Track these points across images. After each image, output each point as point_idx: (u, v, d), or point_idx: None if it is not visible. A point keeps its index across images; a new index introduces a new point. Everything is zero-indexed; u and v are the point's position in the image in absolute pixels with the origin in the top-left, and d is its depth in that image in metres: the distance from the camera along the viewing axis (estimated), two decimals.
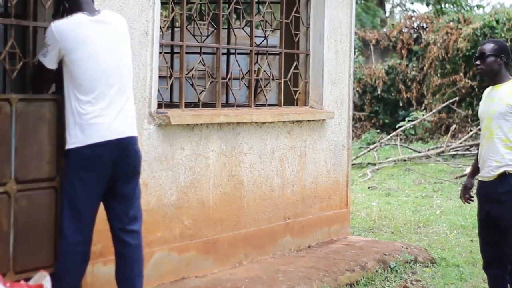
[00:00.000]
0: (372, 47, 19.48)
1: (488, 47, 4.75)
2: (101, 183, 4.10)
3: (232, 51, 6.82)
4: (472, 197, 5.02)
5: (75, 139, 4.05)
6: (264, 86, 6.40)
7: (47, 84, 4.34)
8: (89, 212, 4.09)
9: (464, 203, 5.07)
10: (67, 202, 4.08)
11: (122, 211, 4.20)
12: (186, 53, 5.56)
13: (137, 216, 4.26)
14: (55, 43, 4.03)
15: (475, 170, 4.93)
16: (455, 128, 16.37)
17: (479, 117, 4.89)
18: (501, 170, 4.67)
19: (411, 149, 14.87)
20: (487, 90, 4.89)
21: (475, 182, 4.96)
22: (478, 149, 4.92)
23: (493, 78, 4.78)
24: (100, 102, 4.06)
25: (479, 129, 4.96)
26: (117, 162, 4.11)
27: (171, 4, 5.52)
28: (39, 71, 4.19)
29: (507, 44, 4.93)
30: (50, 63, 4.09)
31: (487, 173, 4.74)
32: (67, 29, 4.03)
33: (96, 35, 4.08)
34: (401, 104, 18.45)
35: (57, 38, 4.01)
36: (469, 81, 16.93)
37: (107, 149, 4.06)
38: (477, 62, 4.78)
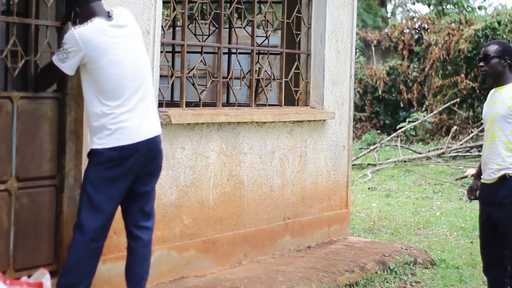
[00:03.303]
0: (373, 48, 19.47)
1: (492, 48, 4.72)
2: (125, 183, 4.14)
3: (233, 50, 6.82)
4: (478, 197, 5.00)
5: (102, 141, 4.05)
6: (265, 86, 6.40)
7: (52, 84, 4.34)
8: (110, 210, 4.12)
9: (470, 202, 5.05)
10: (87, 201, 4.07)
11: (137, 208, 4.26)
12: (187, 52, 5.56)
13: (151, 214, 4.34)
14: (78, 51, 4.00)
15: (480, 171, 4.91)
16: (456, 130, 16.36)
17: (483, 119, 4.88)
18: (502, 173, 4.65)
19: (411, 150, 14.86)
20: (491, 92, 4.87)
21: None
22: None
23: (497, 80, 4.76)
24: (128, 105, 4.08)
25: (480, 131, 4.97)
26: (143, 163, 4.17)
27: (173, 3, 5.52)
28: (49, 73, 4.18)
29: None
30: (69, 69, 4.08)
31: (488, 175, 4.73)
32: (91, 37, 4.01)
33: (117, 41, 4.08)
34: (402, 105, 18.45)
35: (81, 46, 3.99)
36: (470, 83, 16.92)
37: (135, 151, 4.10)
38: (481, 64, 4.75)
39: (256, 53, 6.27)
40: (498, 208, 4.68)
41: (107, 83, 4.04)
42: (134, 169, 4.13)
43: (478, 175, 4.96)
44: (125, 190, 4.16)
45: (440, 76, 17.54)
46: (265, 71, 6.52)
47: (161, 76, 5.24)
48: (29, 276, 4.11)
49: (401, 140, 16.11)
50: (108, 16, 4.13)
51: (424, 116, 16.53)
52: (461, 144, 14.96)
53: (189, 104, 5.81)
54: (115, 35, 4.08)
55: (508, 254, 4.73)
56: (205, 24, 6.10)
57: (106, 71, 4.03)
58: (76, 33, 4.01)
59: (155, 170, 4.29)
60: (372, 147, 14.72)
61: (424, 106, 17.92)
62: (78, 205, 4.17)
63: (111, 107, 4.04)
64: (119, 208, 4.27)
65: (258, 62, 6.34)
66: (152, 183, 4.30)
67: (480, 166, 4.92)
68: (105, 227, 4.13)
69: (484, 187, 4.81)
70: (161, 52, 5.24)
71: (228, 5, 6.56)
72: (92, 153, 4.10)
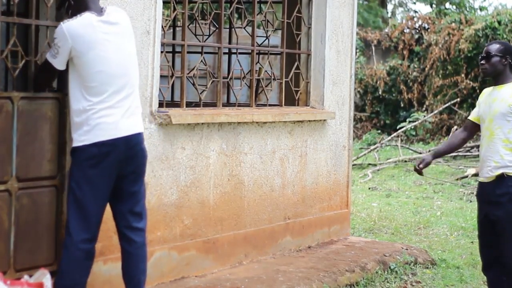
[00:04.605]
0: (373, 48, 19.47)
1: (494, 47, 4.79)
2: (108, 181, 4.11)
3: (234, 50, 6.82)
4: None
5: (83, 137, 4.05)
6: (265, 86, 6.40)
7: (51, 82, 4.34)
8: (95, 210, 4.11)
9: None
10: (73, 200, 4.08)
11: (127, 209, 4.23)
12: (188, 52, 5.57)
13: (142, 214, 4.30)
14: (66, 44, 4.01)
15: (443, 150, 5.06)
16: (456, 129, 16.36)
17: (480, 117, 4.89)
18: (500, 171, 4.67)
19: (412, 150, 14.87)
20: (487, 90, 4.90)
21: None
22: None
23: (497, 78, 4.80)
24: (109, 102, 4.07)
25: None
26: (124, 161, 4.14)
27: (173, 3, 5.52)
28: (45, 70, 4.19)
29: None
30: (60, 64, 4.09)
31: (486, 173, 4.75)
32: (79, 31, 4.01)
33: (105, 37, 4.07)
34: (402, 105, 18.44)
35: (68, 39, 4.00)
36: (471, 82, 16.92)
37: (114, 147, 4.08)
38: (482, 62, 4.80)
39: (256, 53, 6.27)
40: (496, 207, 4.69)
41: (92, 79, 4.04)
42: (115, 167, 4.10)
43: (437, 152, 5.07)
44: (108, 189, 4.13)
45: (440, 76, 17.54)
46: (266, 71, 6.52)
47: (161, 76, 5.23)
48: (30, 276, 4.11)
49: (402, 140, 16.11)
50: (100, 12, 4.14)
51: (425, 116, 16.53)
52: None
53: (189, 104, 5.80)
54: (103, 31, 4.08)
55: (505, 253, 4.73)
56: (205, 24, 6.10)
57: (91, 66, 4.03)
58: (65, 26, 4.02)
59: (139, 169, 4.25)
60: (372, 147, 14.72)
61: (425, 106, 17.92)
62: (66, 206, 4.17)
63: (92, 103, 4.04)
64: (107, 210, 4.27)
65: (258, 62, 6.34)
66: (138, 183, 4.26)
67: (445, 144, 5.05)
68: (93, 227, 4.11)
69: (481, 186, 4.83)
70: (161, 52, 5.24)
71: (228, 5, 6.56)
72: (74, 151, 4.10)
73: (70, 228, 4.07)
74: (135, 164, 4.22)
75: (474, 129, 5.02)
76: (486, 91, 4.92)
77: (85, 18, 4.05)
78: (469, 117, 5.03)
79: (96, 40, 4.04)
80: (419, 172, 5.07)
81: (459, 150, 14.64)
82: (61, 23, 4.06)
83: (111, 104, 4.07)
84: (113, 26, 4.14)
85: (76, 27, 4.02)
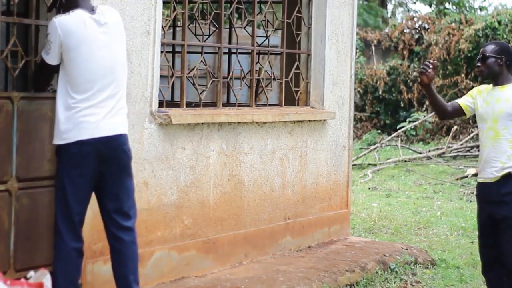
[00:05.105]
0: (373, 48, 19.47)
1: (489, 48, 4.74)
2: (88, 181, 4.11)
3: (234, 50, 6.82)
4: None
5: (65, 135, 4.06)
6: (265, 86, 6.40)
7: (49, 81, 4.35)
8: (78, 209, 4.11)
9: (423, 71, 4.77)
10: (59, 199, 4.11)
11: (114, 208, 4.21)
12: (188, 52, 5.57)
13: (131, 214, 4.27)
14: (57, 39, 4.03)
15: (436, 94, 4.82)
16: (456, 129, 16.36)
17: (480, 117, 4.84)
18: (506, 171, 4.64)
19: (412, 150, 14.86)
20: (486, 88, 4.83)
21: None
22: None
23: (496, 80, 4.75)
24: (93, 101, 4.07)
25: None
26: (108, 162, 4.13)
27: (173, 3, 5.53)
28: (42, 67, 4.19)
29: (510, 45, 4.91)
30: (53, 59, 4.09)
31: (491, 174, 4.70)
32: (71, 27, 4.03)
33: (95, 35, 4.09)
34: (402, 105, 18.44)
35: (60, 34, 4.01)
36: (471, 82, 16.92)
37: (95, 147, 4.07)
38: (478, 64, 4.76)
39: (257, 53, 6.27)
40: (499, 206, 4.65)
41: (76, 75, 4.04)
42: (97, 167, 4.09)
43: (436, 96, 4.83)
44: (91, 189, 4.14)
45: (440, 76, 17.54)
46: (266, 71, 6.52)
47: (161, 76, 5.23)
48: (35, 272, 4.12)
49: (402, 140, 16.11)
50: (92, 10, 4.14)
51: (425, 116, 16.52)
52: (462, 144, 14.96)
53: (189, 104, 5.81)
54: (94, 29, 4.09)
55: (506, 253, 4.71)
56: (205, 24, 6.10)
57: (78, 63, 4.04)
58: (57, 21, 4.04)
59: (124, 170, 4.22)
60: (372, 147, 14.72)
61: (425, 105, 17.91)
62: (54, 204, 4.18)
63: (76, 101, 4.04)
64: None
65: (258, 62, 6.34)
66: (123, 183, 4.23)
67: (443, 102, 4.83)
68: (77, 226, 4.12)
69: (483, 186, 4.79)
70: (161, 52, 5.24)
71: (228, 5, 6.56)
72: (58, 150, 4.11)
73: (59, 226, 4.09)
74: (120, 165, 4.20)
75: (457, 113, 4.97)
76: (484, 88, 4.85)
77: (78, 15, 4.07)
78: (459, 102, 4.90)
79: (86, 37, 4.05)
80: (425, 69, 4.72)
81: (459, 149, 14.66)
82: (54, 18, 4.08)
83: (95, 103, 4.07)
84: (103, 26, 4.14)
85: (68, 23, 4.04)
